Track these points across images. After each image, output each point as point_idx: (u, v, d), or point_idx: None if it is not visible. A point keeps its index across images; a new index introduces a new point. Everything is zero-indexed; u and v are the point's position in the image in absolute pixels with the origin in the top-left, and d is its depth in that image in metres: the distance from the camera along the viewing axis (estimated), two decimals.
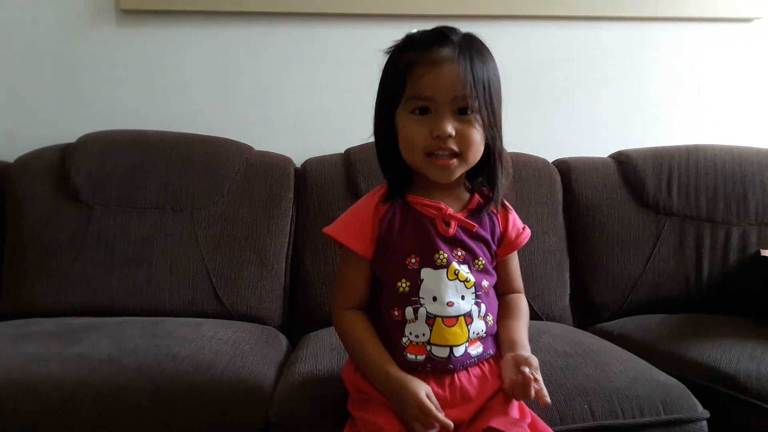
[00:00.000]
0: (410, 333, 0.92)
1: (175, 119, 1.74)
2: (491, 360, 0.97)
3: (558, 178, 1.65)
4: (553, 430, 0.98)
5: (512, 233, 1.00)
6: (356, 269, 0.96)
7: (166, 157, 1.56)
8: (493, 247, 0.98)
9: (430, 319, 0.91)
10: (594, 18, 1.82)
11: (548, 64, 1.83)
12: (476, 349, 0.94)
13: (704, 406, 1.09)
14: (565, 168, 1.68)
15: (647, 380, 1.11)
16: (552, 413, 1.03)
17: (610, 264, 1.58)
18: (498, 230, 0.99)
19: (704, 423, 1.07)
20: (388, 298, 0.94)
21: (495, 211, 0.98)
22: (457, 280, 0.93)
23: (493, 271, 0.99)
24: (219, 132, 1.68)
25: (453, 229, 0.94)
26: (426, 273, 0.92)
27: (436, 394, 0.89)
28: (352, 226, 0.95)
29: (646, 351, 1.31)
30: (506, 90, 1.83)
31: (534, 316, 1.43)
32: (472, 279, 0.94)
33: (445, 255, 0.93)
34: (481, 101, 0.88)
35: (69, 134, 1.63)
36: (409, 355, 0.92)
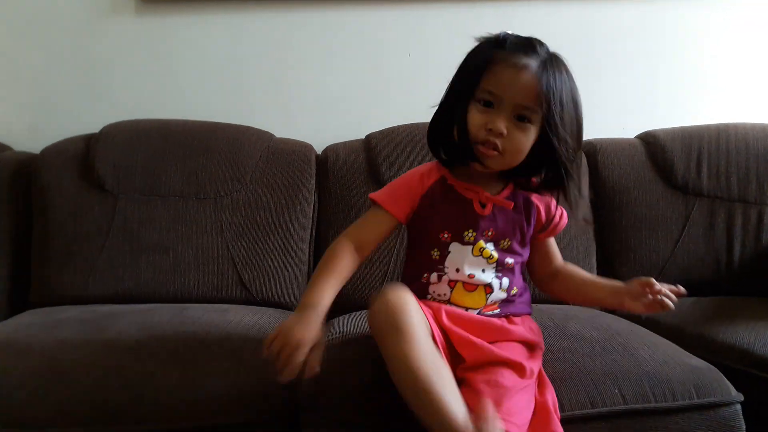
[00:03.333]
0: (434, 292, 1.03)
1: (197, 107, 1.74)
2: (510, 317, 1.06)
3: (584, 160, 1.62)
4: (584, 413, 0.99)
5: (556, 220, 1.09)
6: (379, 221, 1.05)
7: (188, 145, 1.57)
8: (527, 229, 1.06)
9: (452, 282, 1.02)
10: None
11: (570, 44, 1.77)
12: (492, 311, 1.05)
13: (737, 390, 1.07)
14: (591, 150, 1.65)
15: (678, 364, 1.10)
16: (581, 397, 1.02)
17: (639, 247, 1.55)
18: (535, 215, 1.07)
19: (738, 406, 1.05)
20: (421, 263, 1.04)
21: (536, 200, 1.07)
22: (480, 257, 1.03)
23: (522, 251, 1.08)
24: (240, 119, 1.68)
25: (488, 210, 1.03)
26: (454, 247, 1.03)
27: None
28: (396, 195, 1.05)
29: (677, 334, 1.29)
30: None
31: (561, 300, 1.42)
32: (496, 256, 1.04)
33: (474, 233, 1.03)
34: (546, 115, 0.93)
35: (92, 125, 1.64)
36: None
